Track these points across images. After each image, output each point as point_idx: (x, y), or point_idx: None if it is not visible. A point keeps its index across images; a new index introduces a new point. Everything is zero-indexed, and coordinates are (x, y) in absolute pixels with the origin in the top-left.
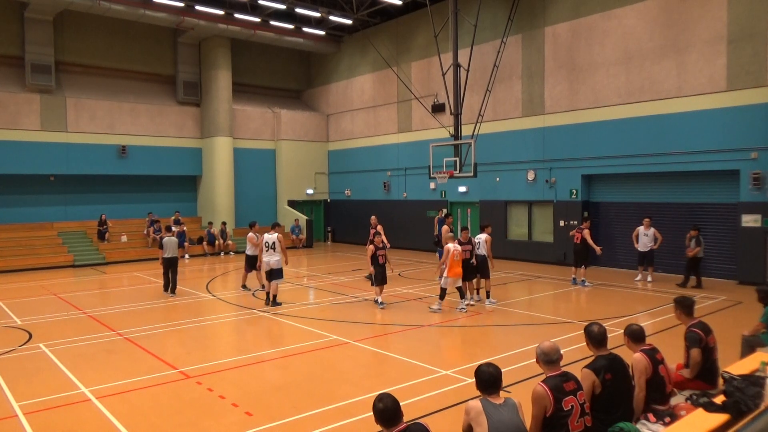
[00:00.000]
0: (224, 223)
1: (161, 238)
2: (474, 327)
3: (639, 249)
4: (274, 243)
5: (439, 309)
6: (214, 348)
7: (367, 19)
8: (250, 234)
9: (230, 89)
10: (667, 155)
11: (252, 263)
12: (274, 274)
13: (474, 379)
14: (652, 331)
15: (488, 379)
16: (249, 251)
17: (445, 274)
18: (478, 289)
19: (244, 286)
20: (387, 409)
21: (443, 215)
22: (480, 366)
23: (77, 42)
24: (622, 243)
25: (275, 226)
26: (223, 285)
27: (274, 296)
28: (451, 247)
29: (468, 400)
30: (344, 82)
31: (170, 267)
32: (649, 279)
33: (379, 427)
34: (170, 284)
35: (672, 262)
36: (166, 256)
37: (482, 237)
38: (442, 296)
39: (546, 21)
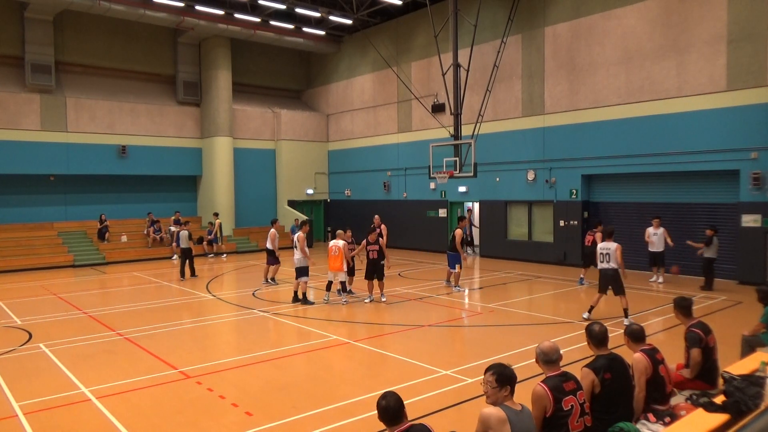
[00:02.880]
0: (216, 214)
1: (177, 233)
2: (474, 327)
3: (650, 249)
4: (295, 242)
5: (326, 301)
6: (214, 348)
7: (367, 19)
8: (272, 230)
9: (230, 89)
10: (667, 155)
11: (271, 256)
12: (297, 272)
13: (497, 377)
14: (652, 331)
15: (511, 376)
16: (268, 245)
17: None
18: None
19: (272, 279)
20: (389, 408)
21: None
22: (501, 366)
23: (77, 42)
24: (621, 243)
25: (302, 225)
26: (223, 285)
27: (304, 294)
28: (331, 243)
29: (461, 403)
30: (344, 82)
31: (185, 257)
32: (660, 280)
33: (381, 426)
34: (184, 272)
35: (675, 263)
36: (182, 246)
37: (612, 246)
38: (327, 287)
39: (546, 21)
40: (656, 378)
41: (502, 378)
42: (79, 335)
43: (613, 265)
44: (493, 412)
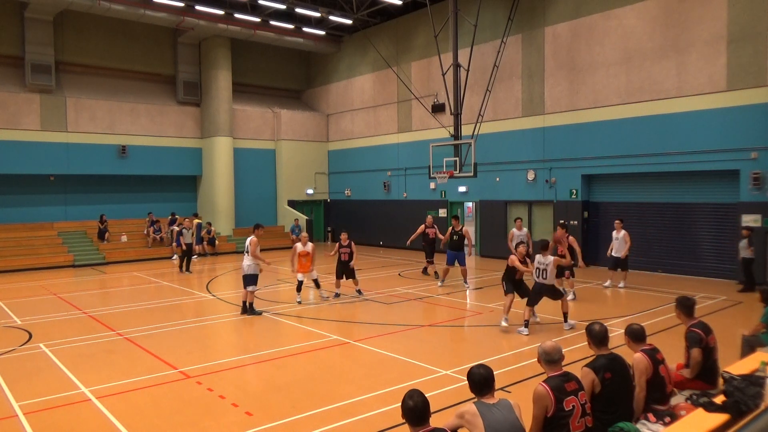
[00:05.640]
0: (209, 223)
1: (179, 232)
2: (474, 327)
3: (611, 254)
4: (247, 246)
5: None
6: (214, 348)
7: (367, 19)
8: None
9: (230, 89)
10: (667, 155)
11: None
12: (244, 280)
13: (467, 383)
14: (652, 331)
15: (480, 381)
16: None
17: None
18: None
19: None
20: (416, 409)
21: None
22: (471, 368)
23: (77, 42)
24: None
25: (255, 228)
26: (223, 285)
27: (250, 304)
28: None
29: (462, 402)
30: (344, 82)
31: (187, 252)
32: (621, 285)
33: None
34: (185, 266)
35: (674, 263)
36: (187, 242)
37: (549, 260)
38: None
39: (546, 21)
40: (656, 378)
41: (472, 388)
42: (79, 335)
43: (550, 281)
44: (467, 408)
